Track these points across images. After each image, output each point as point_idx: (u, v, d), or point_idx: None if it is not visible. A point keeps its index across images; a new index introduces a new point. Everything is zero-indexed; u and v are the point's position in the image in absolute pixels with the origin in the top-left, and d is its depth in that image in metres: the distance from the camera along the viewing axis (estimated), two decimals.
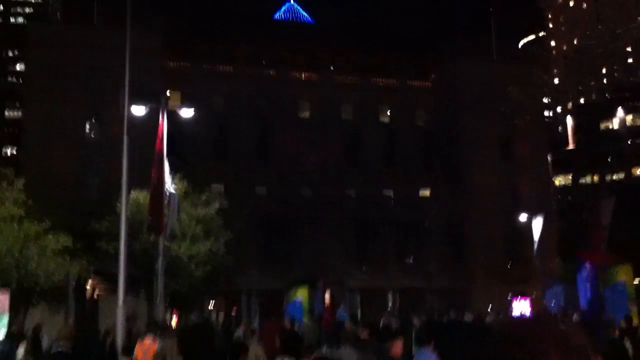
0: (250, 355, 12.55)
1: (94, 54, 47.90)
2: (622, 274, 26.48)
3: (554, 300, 28.17)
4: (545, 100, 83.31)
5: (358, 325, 18.03)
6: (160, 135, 20.52)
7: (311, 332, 21.96)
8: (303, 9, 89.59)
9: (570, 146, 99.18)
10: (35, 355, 14.71)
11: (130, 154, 19.81)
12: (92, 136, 50.81)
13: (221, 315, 33.83)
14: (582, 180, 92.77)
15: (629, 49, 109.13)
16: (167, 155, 20.03)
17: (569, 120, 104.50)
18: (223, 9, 68.99)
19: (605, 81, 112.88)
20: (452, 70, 60.57)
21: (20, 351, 14.02)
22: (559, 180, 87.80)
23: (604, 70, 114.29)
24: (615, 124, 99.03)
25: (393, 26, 72.88)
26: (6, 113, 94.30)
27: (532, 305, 29.77)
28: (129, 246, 19.73)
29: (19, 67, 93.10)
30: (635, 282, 27.22)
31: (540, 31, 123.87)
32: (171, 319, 27.22)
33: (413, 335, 19.01)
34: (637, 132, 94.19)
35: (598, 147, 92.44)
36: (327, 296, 26.85)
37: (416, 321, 22.72)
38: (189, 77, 54.53)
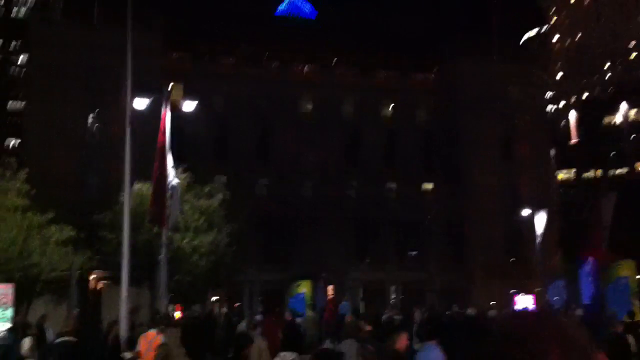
0: (253, 349, 12.57)
1: (95, 51, 47.89)
2: (625, 269, 26.55)
3: (556, 296, 28.23)
4: (548, 95, 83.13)
5: (360, 319, 18.09)
6: (163, 128, 20.54)
7: (313, 326, 22.03)
8: (305, 3, 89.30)
9: (573, 141, 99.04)
10: (40, 347, 14.74)
11: (132, 146, 19.82)
12: (94, 131, 50.80)
13: (224, 308, 33.83)
14: (585, 175, 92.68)
15: (631, 46, 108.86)
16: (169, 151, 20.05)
17: (572, 115, 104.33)
18: (224, 5, 68.73)
19: (608, 77, 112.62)
20: (452, 70, 60.53)
21: (25, 343, 14.04)
22: (562, 175, 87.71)
23: (606, 67, 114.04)
24: (618, 119, 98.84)
25: (394, 25, 72.56)
26: (10, 104, 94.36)
27: (536, 300, 29.78)
28: (132, 236, 19.75)
29: (22, 59, 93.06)
30: (638, 277, 27.22)
31: (541, 28, 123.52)
32: (174, 311, 27.26)
33: (414, 330, 19.08)
34: None
35: (601, 143, 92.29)
36: (329, 290, 26.93)
37: (417, 316, 22.76)
38: (189, 74, 54.35)
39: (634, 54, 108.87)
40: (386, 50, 62.86)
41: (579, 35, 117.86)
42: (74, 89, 48.87)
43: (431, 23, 73.01)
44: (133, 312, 19.14)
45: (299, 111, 59.00)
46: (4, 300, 18.53)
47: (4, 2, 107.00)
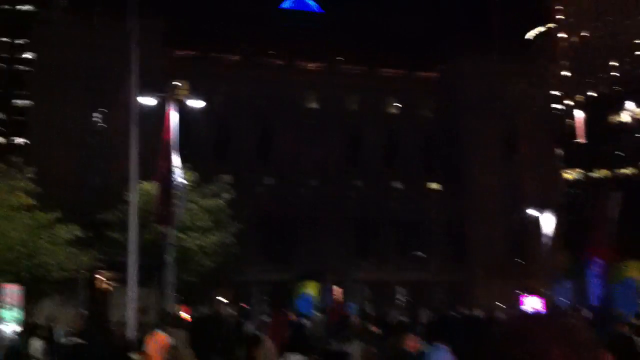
0: (261, 350, 12.56)
1: (98, 51, 48.02)
2: (633, 270, 26.48)
3: (563, 296, 28.17)
4: (552, 93, 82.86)
5: (366, 320, 18.06)
6: (167, 125, 20.53)
7: (320, 327, 22.01)
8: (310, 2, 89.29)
9: (579, 140, 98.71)
10: (49, 346, 14.78)
11: (138, 145, 19.80)
12: (98, 128, 50.89)
13: (231, 307, 33.81)
14: (591, 174, 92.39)
15: (637, 41, 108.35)
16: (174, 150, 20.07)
17: (578, 113, 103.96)
18: (226, 5, 68.70)
19: (613, 75, 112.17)
20: (454, 69, 60.47)
21: (34, 343, 14.09)
22: (568, 175, 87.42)
23: (611, 65, 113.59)
24: (624, 118, 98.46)
25: (396, 24, 72.44)
26: (16, 102, 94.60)
27: (546, 303, 29.69)
28: (140, 236, 19.76)
29: (26, 55, 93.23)
30: None
31: (547, 24, 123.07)
32: (180, 310, 27.27)
33: (419, 331, 19.03)
34: None
35: (607, 141, 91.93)
36: (335, 290, 26.92)
37: (423, 317, 22.71)
38: (191, 73, 54.16)
39: (638, 52, 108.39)
40: (388, 49, 62.81)
41: (584, 33, 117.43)
42: (78, 88, 48.96)
43: (433, 22, 72.97)
44: (141, 312, 19.15)
45: (300, 110, 58.89)
46: (12, 300, 18.57)
47: (10, 1, 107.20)
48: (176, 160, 20.40)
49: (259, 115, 56.08)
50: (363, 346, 12.88)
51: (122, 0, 21.70)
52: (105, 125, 49.87)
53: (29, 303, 23.66)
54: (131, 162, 19.25)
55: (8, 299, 18.53)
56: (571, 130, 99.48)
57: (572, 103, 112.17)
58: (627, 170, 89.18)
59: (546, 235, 42.21)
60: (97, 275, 30.69)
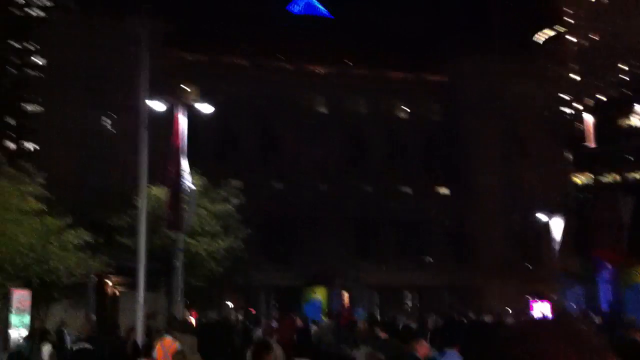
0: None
1: (107, 53, 48.25)
2: None
3: (574, 301, 28.05)
4: (561, 95, 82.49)
5: (375, 325, 18.02)
6: (176, 130, 20.63)
7: (328, 331, 21.99)
8: (321, 4, 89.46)
9: (590, 144, 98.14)
10: (59, 352, 14.84)
11: (148, 149, 19.84)
12: (107, 132, 51.11)
13: (240, 312, 33.96)
14: (602, 179, 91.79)
15: None
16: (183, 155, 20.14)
17: (587, 116, 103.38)
18: (238, 4, 68.84)
19: (623, 77, 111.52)
20: (454, 70, 60.42)
21: (44, 349, 14.14)
22: (577, 178, 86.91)
23: (620, 66, 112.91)
24: (634, 120, 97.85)
25: (401, 26, 72.41)
26: (27, 106, 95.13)
27: (553, 308, 29.62)
28: (148, 241, 19.81)
29: (37, 60, 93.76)
30: None
31: (553, 25, 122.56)
32: (189, 316, 27.33)
33: (428, 336, 18.97)
34: None
35: (616, 144, 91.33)
36: (344, 295, 26.88)
37: (431, 323, 22.63)
38: (198, 75, 54.25)
39: None
40: (394, 52, 62.84)
41: (592, 36, 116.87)
42: (87, 92, 49.24)
43: (438, 25, 72.80)
44: (150, 317, 19.19)
45: (308, 114, 58.90)
46: (22, 305, 18.65)
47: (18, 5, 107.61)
48: (185, 164, 20.50)
49: (267, 119, 56.18)
50: (370, 351, 12.86)
51: (131, 3, 21.80)
52: (114, 130, 50.09)
53: (39, 308, 23.78)
54: (140, 167, 19.29)
55: (18, 304, 18.63)
56: (580, 134, 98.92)
57: (580, 107, 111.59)
58: (638, 175, 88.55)
59: (555, 240, 42.01)
60: (106, 280, 30.77)
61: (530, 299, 29.93)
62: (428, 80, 62.78)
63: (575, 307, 28.08)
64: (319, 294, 27.27)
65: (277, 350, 16.02)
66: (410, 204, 57.75)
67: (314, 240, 51.97)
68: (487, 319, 22.53)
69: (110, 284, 30.62)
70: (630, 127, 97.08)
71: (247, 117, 55.90)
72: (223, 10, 69.97)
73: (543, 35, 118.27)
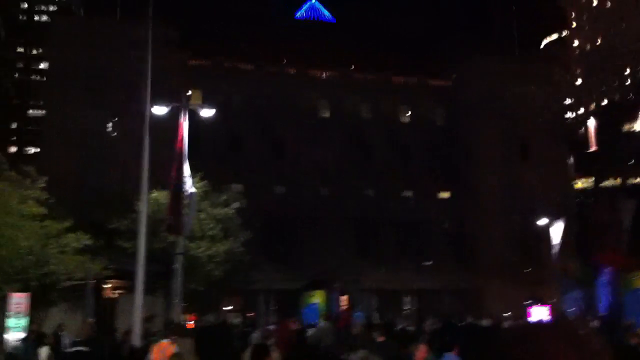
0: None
1: (108, 58, 48.37)
2: None
3: (572, 305, 27.99)
4: (565, 100, 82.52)
5: (373, 329, 18.04)
6: (181, 135, 20.72)
7: (327, 335, 21.97)
8: (325, 7, 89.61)
9: (592, 148, 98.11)
10: (57, 355, 14.87)
11: (150, 153, 19.93)
12: (110, 134, 51.23)
13: (238, 316, 33.91)
14: (604, 183, 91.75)
15: None
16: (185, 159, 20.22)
17: (591, 121, 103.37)
18: (241, 7, 69.03)
19: (628, 82, 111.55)
20: (457, 71, 60.43)
21: (42, 352, 14.17)
22: (580, 183, 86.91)
23: (626, 72, 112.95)
24: (638, 125, 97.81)
25: (405, 30, 72.62)
26: (29, 111, 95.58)
27: (552, 311, 29.58)
28: (148, 244, 19.87)
29: (41, 65, 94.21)
30: None
31: (558, 30, 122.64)
32: (187, 320, 27.36)
33: (425, 340, 18.95)
34: None
35: (620, 149, 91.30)
36: (343, 298, 26.85)
37: (427, 327, 22.58)
38: (202, 79, 54.30)
39: None
40: (389, 52, 63.00)
41: (596, 38, 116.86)
42: (90, 97, 49.27)
43: (437, 26, 72.93)
44: (147, 320, 19.21)
45: (312, 118, 58.87)
46: (19, 309, 18.71)
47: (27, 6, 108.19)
48: (186, 168, 20.58)
49: (268, 124, 56.22)
50: (367, 355, 12.86)
51: (137, 9, 21.89)
52: (115, 134, 50.20)
53: (37, 311, 23.81)
54: (142, 171, 19.38)
55: (15, 308, 18.69)
56: (583, 138, 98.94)
57: (582, 110, 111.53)
58: (638, 178, 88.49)
59: (556, 243, 41.94)
60: (106, 284, 30.81)
61: (528, 306, 29.90)
62: (429, 82, 62.81)
63: (573, 310, 28.00)
64: (318, 297, 27.30)
65: (274, 353, 16.06)
66: (411, 205, 57.76)
67: (318, 244, 51.96)
68: (485, 322, 22.49)
69: (108, 287, 30.66)
70: (633, 131, 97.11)
71: (250, 120, 55.91)
72: (226, 14, 70.19)
73: (545, 38, 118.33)
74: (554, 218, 41.96)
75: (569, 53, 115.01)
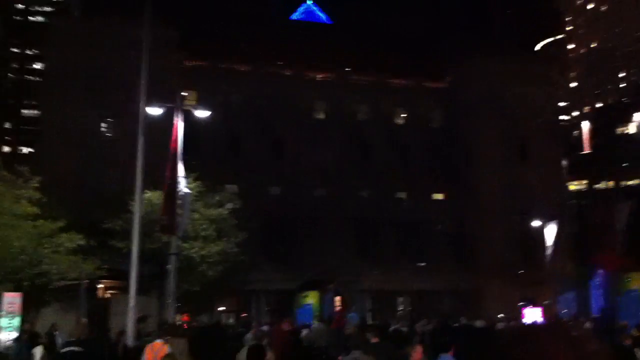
0: None
1: (104, 58, 48.28)
2: (636, 281, 26.35)
3: (566, 307, 28.04)
4: (561, 103, 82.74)
5: (367, 330, 18.03)
6: (175, 136, 20.67)
7: (321, 335, 21.97)
8: (320, 10, 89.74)
9: (586, 150, 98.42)
10: (50, 354, 14.81)
11: (145, 154, 19.87)
12: (106, 134, 51.14)
13: (231, 316, 33.90)
14: (598, 186, 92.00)
15: None
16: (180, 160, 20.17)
17: (585, 124, 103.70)
18: (238, 9, 69.01)
19: (622, 85, 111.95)
20: (456, 72, 60.50)
21: (36, 352, 14.10)
22: (574, 186, 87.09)
23: (620, 75, 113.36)
24: (632, 128, 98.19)
25: (403, 32, 72.74)
26: (24, 111, 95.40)
27: (545, 313, 29.66)
28: (142, 244, 19.81)
29: (36, 65, 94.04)
30: None
31: (555, 34, 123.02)
32: (181, 319, 27.30)
33: (418, 341, 18.95)
34: None
35: (614, 152, 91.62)
36: (337, 299, 26.84)
37: (419, 328, 22.57)
38: (199, 81, 54.22)
39: None
40: (388, 53, 63.02)
41: (592, 41, 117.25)
42: (85, 97, 49.12)
43: (436, 27, 73.09)
44: (140, 321, 19.16)
45: (308, 120, 58.82)
46: (12, 309, 18.65)
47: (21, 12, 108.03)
48: (181, 169, 20.53)
49: (266, 125, 56.14)
50: (362, 356, 12.84)
51: (134, 9, 21.81)
52: (111, 134, 50.10)
53: (31, 311, 23.74)
54: (137, 172, 19.33)
55: (8, 307, 18.62)
56: (578, 141, 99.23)
57: (577, 113, 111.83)
58: (634, 182, 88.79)
59: (552, 245, 42.06)
60: (99, 284, 30.76)
61: (522, 307, 29.93)
62: (428, 82, 62.87)
63: (570, 312, 28.03)
64: (312, 298, 27.29)
65: (269, 355, 16.03)
66: (410, 206, 57.78)
67: (315, 241, 51.93)
68: (479, 323, 22.49)
69: (102, 287, 30.60)
70: (627, 133, 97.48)
71: (249, 120, 55.85)
72: (225, 14, 70.17)
73: (542, 41, 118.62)
74: (552, 219, 42.06)
75: (564, 56, 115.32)
